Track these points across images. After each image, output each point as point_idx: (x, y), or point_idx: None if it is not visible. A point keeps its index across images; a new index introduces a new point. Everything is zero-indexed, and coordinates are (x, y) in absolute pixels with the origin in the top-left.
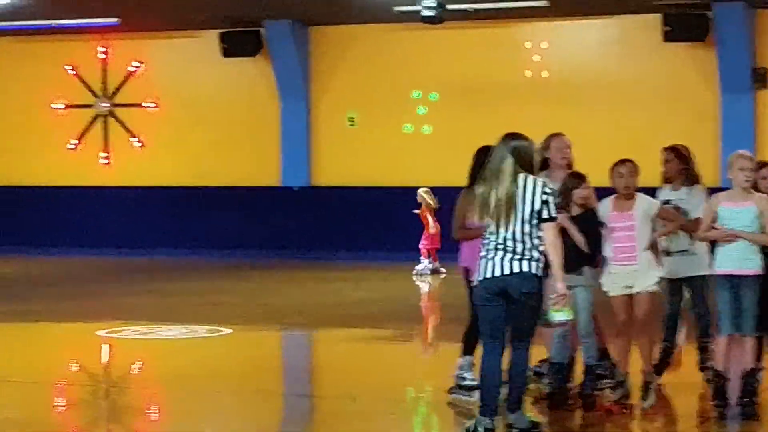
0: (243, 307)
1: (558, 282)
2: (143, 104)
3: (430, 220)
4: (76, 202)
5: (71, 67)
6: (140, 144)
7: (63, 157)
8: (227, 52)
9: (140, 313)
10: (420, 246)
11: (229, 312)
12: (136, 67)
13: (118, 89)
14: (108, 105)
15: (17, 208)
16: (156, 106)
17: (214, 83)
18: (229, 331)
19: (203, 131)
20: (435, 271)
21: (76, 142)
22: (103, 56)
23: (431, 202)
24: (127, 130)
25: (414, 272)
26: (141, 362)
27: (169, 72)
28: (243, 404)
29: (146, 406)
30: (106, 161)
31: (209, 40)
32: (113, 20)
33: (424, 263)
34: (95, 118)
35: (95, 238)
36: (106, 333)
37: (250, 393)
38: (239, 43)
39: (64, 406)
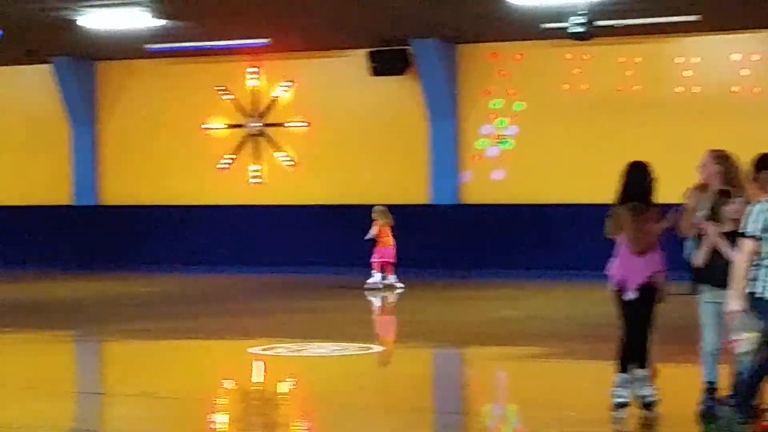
0: (394, 324)
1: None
2: (293, 123)
3: (389, 235)
4: (228, 221)
5: (223, 88)
6: (291, 163)
7: (215, 176)
8: (376, 71)
9: (292, 330)
10: (372, 260)
11: (379, 329)
12: (287, 86)
13: (268, 109)
14: (259, 124)
15: (170, 227)
16: (306, 125)
17: (363, 102)
18: (381, 348)
19: (352, 150)
20: (389, 286)
21: (228, 161)
22: (254, 76)
23: (388, 219)
24: (278, 149)
25: (365, 286)
26: (292, 379)
27: (319, 91)
28: (395, 421)
29: (297, 423)
30: (257, 180)
31: (358, 59)
32: (264, 41)
33: (376, 277)
34: (246, 138)
35: (247, 257)
36: (258, 350)
37: (401, 410)
38: (387, 62)
39: (216, 422)
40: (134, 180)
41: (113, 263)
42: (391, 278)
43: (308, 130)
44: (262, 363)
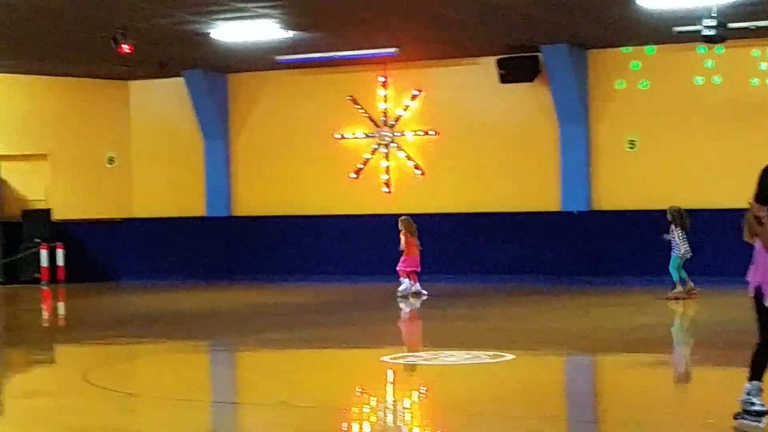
0: (525, 332)
1: None
2: (423, 132)
3: (414, 244)
4: (359, 230)
5: (352, 98)
6: (420, 171)
7: (346, 186)
8: (505, 78)
9: (423, 338)
10: (398, 268)
11: (511, 337)
12: (416, 95)
13: (398, 118)
14: (388, 134)
15: (301, 237)
16: (436, 134)
17: (493, 109)
18: (512, 356)
19: (482, 158)
20: (416, 294)
21: (358, 171)
22: (383, 86)
23: (411, 229)
24: (407, 158)
25: (397, 294)
26: (424, 388)
27: (448, 100)
28: (526, 429)
29: (428, 430)
30: (388, 189)
31: (487, 66)
32: (392, 50)
33: (405, 284)
34: (376, 147)
35: (378, 266)
36: (390, 359)
37: (533, 418)
38: (517, 69)
39: (348, 431)
40: (266, 191)
41: (246, 274)
42: (417, 286)
43: (437, 139)
44: (395, 371)
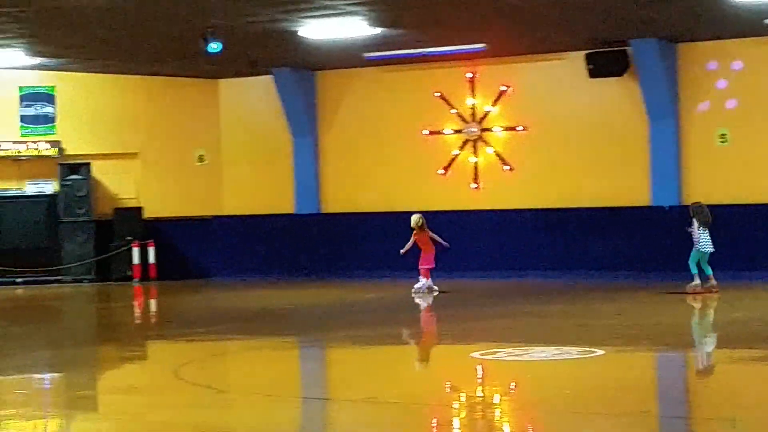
0: (615, 327)
1: None
2: (511, 128)
3: (427, 242)
4: (448, 227)
5: (440, 94)
6: (509, 167)
7: (434, 182)
8: (593, 73)
9: (513, 334)
10: (420, 267)
11: (600, 333)
12: (504, 91)
13: (486, 114)
14: (476, 129)
15: (390, 234)
16: (524, 129)
17: (581, 105)
18: (602, 352)
19: (570, 153)
20: (429, 289)
21: (447, 166)
22: (471, 82)
23: (424, 228)
24: (496, 153)
25: (413, 290)
26: (514, 384)
27: (536, 95)
28: (617, 426)
29: (519, 427)
30: (476, 185)
31: (575, 61)
32: (480, 46)
33: (423, 282)
34: (465, 143)
35: (466, 262)
36: (480, 355)
37: (624, 414)
38: (605, 64)
39: (438, 426)
40: (354, 187)
41: (334, 270)
42: (429, 282)
43: (525, 134)
44: (484, 367)
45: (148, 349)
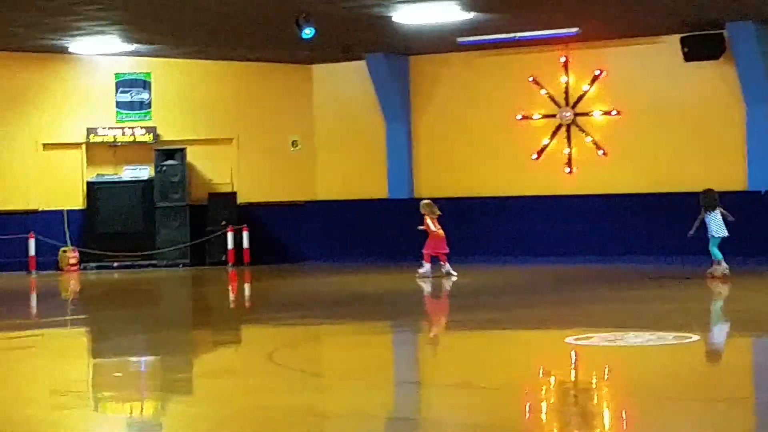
0: (711, 312)
1: None
2: (605, 112)
3: (432, 227)
4: (542, 212)
5: (533, 78)
6: (602, 152)
7: (528, 167)
8: (688, 56)
9: (607, 319)
10: (424, 251)
11: (696, 318)
12: (597, 75)
13: (580, 98)
14: (570, 114)
15: (484, 219)
16: (618, 114)
17: (676, 88)
18: (697, 337)
19: (665, 137)
20: (447, 274)
21: (540, 151)
22: (565, 66)
23: (434, 212)
24: (590, 138)
25: (417, 275)
26: (608, 369)
27: (630, 79)
28: (714, 412)
29: (614, 413)
30: (569, 170)
31: (670, 44)
32: (573, 30)
33: (426, 267)
34: (558, 128)
35: (559, 247)
36: (574, 340)
37: (720, 401)
38: (701, 47)
39: (531, 411)
40: (447, 172)
41: None
42: (447, 266)
43: (619, 119)
44: (578, 353)
45: (243, 333)
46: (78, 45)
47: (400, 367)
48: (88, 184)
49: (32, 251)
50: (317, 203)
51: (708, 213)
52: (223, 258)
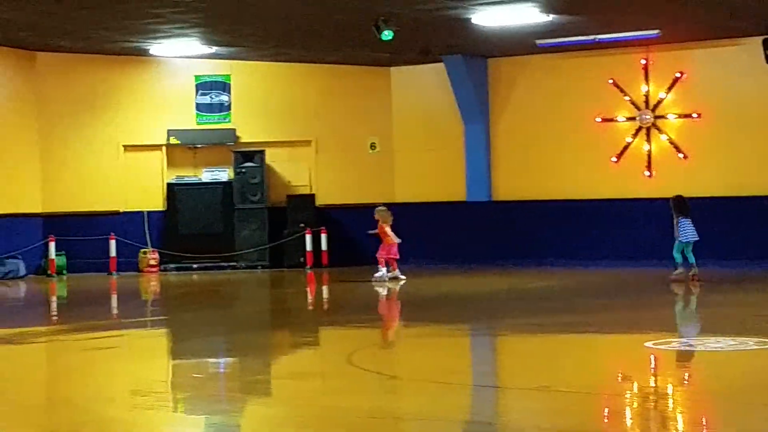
0: None
1: None
2: (686, 115)
3: (389, 233)
4: (620, 215)
5: (613, 81)
6: (682, 155)
7: (607, 170)
8: None
9: (687, 324)
10: (377, 256)
11: None
12: (678, 77)
13: (660, 101)
14: (650, 117)
15: (562, 222)
16: (698, 116)
17: (757, 91)
18: None
19: (746, 140)
20: (394, 278)
21: (620, 154)
22: (645, 68)
23: (388, 218)
24: (670, 141)
25: (372, 279)
26: (688, 374)
27: (711, 81)
28: None
29: (694, 418)
30: (649, 173)
31: (752, 46)
32: (654, 32)
33: (382, 271)
34: (638, 131)
35: (638, 251)
36: (653, 344)
37: None
38: None
39: (611, 416)
40: (526, 175)
41: (505, 258)
42: (396, 272)
43: (699, 122)
44: (658, 357)
45: (321, 335)
46: (159, 47)
47: (478, 370)
48: (169, 185)
49: (113, 252)
50: (395, 205)
51: (682, 218)
52: (302, 260)
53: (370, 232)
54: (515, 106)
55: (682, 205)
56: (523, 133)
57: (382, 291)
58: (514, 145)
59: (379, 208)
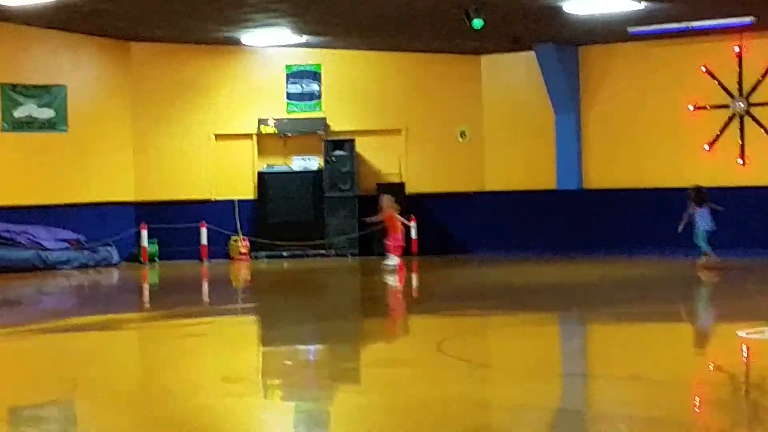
0: None
1: None
2: None
3: (399, 222)
4: (713, 203)
5: (706, 68)
6: None
7: (699, 158)
8: None
9: None
10: (388, 244)
11: None
12: None
13: (754, 88)
14: (743, 104)
15: (654, 210)
16: None
17: None
18: None
19: None
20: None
21: (712, 142)
22: (738, 56)
23: (394, 207)
24: (764, 129)
25: (383, 267)
26: None
27: None
28: None
29: None
30: (742, 161)
31: None
32: (748, 19)
33: (394, 260)
34: (731, 118)
35: (732, 239)
36: (746, 334)
37: None
38: None
39: (703, 406)
40: (617, 163)
41: (596, 247)
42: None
43: None
44: (751, 347)
45: (411, 322)
46: (250, 37)
47: (567, 358)
48: (259, 174)
49: (204, 240)
50: (485, 194)
51: (700, 208)
52: None
53: (369, 220)
54: (606, 95)
55: (705, 195)
56: (614, 121)
57: (473, 279)
58: (605, 133)
59: (389, 196)
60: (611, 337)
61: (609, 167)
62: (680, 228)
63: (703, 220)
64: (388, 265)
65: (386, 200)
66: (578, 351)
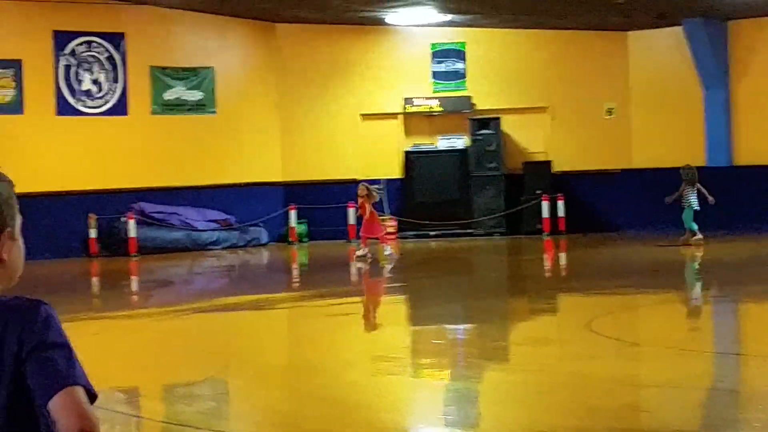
0: None
1: None
2: None
3: (367, 209)
4: None
5: None
6: None
7: None
8: None
9: None
10: (360, 233)
11: None
12: None
13: None
14: None
15: None
16: None
17: None
18: None
19: None
20: (362, 257)
21: None
22: None
23: (374, 194)
24: None
25: (355, 256)
26: None
27: None
28: None
29: None
30: None
31: None
32: None
33: (364, 250)
34: None
35: None
36: None
37: None
38: None
39: None
40: None
41: (748, 224)
42: (364, 249)
43: None
44: None
45: (559, 301)
46: (395, 16)
47: (719, 336)
48: (406, 153)
49: (351, 220)
50: (633, 171)
51: (690, 188)
52: (538, 227)
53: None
54: (757, 69)
55: (696, 175)
56: (765, 96)
57: (622, 257)
58: (756, 108)
59: (363, 183)
60: (763, 315)
61: (760, 143)
62: (668, 200)
63: (695, 199)
64: (358, 255)
65: (360, 189)
66: (730, 329)
